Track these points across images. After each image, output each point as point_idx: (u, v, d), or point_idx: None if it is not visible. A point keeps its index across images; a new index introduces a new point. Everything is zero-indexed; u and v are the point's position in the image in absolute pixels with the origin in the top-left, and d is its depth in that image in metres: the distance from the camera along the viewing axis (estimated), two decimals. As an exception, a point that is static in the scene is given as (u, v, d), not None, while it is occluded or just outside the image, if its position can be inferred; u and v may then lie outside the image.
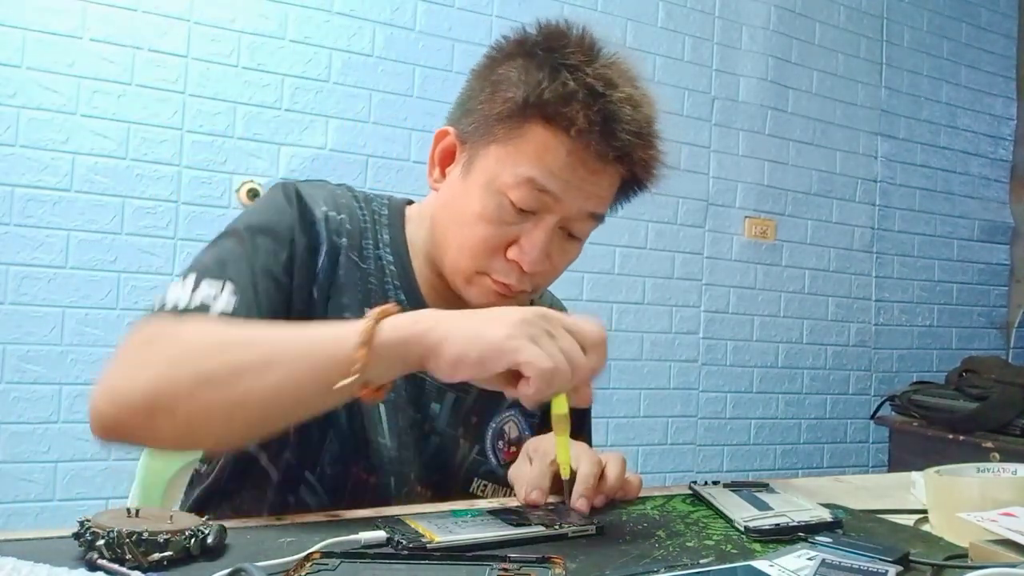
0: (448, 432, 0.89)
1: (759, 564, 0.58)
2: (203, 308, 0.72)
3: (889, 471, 2.29)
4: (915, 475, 0.89)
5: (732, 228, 2.85)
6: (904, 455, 2.32)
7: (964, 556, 0.62)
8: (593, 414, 2.87)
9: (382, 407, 0.84)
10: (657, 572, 0.56)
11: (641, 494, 0.82)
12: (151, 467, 1.06)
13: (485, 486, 0.91)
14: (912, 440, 2.31)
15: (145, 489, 1.05)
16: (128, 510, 0.58)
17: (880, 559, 0.58)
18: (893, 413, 2.44)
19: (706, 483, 0.83)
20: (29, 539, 0.61)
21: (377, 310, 0.66)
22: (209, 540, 0.57)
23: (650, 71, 2.70)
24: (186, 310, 0.72)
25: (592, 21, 2.90)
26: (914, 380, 2.71)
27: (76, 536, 0.56)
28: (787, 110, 2.95)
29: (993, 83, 3.45)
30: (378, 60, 2.28)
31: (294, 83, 2.19)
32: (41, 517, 1.91)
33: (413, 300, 0.87)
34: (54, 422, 1.93)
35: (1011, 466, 0.82)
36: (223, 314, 0.72)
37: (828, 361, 3.04)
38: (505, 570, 0.54)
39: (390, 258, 0.89)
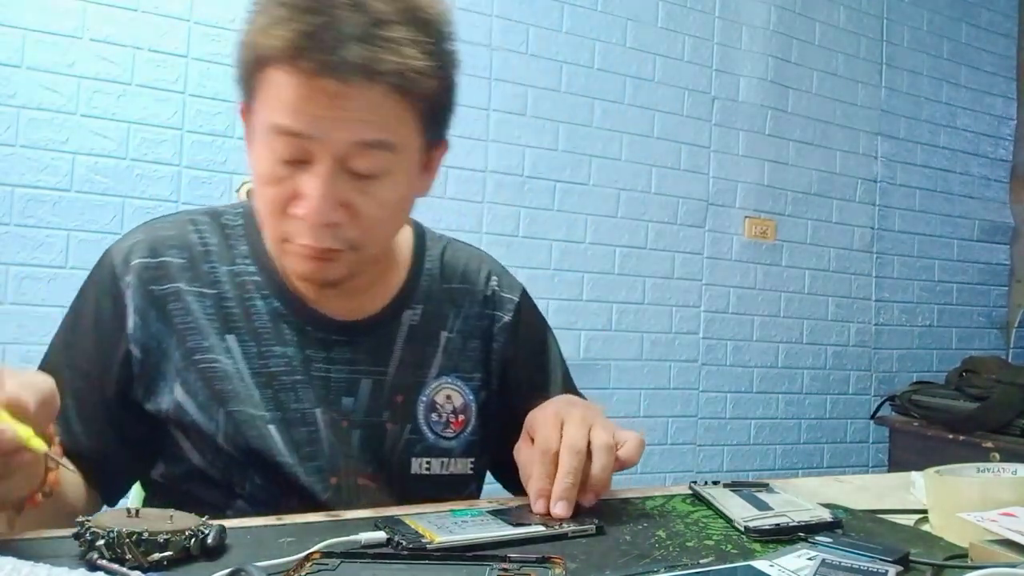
0: (370, 421, 0.85)
1: (759, 564, 0.58)
2: None
3: (889, 471, 2.29)
4: (915, 475, 0.89)
5: (732, 228, 2.85)
6: (904, 455, 2.32)
7: (964, 556, 0.62)
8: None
9: (272, 427, 0.81)
10: (657, 572, 0.56)
11: (641, 494, 0.82)
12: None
13: (429, 463, 0.88)
14: (912, 440, 2.32)
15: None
16: (128, 510, 0.58)
17: (880, 559, 0.58)
18: (893, 413, 2.44)
19: (706, 483, 0.83)
20: (29, 539, 0.61)
21: None
22: (209, 540, 0.57)
23: (650, 71, 2.70)
24: None
25: (592, 21, 2.89)
26: (914, 380, 2.71)
27: (76, 536, 0.56)
28: (787, 110, 2.95)
29: (993, 83, 3.45)
30: (378, 60, 2.28)
31: (294, 83, 2.19)
32: (41, 517, 1.91)
33: (287, 302, 0.85)
34: (54, 422, 1.93)
35: (1011, 466, 0.82)
36: None
37: (828, 361, 3.04)
38: (505, 570, 0.54)
39: (252, 269, 0.85)
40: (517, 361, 0.96)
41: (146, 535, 0.54)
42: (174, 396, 0.82)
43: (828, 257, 3.04)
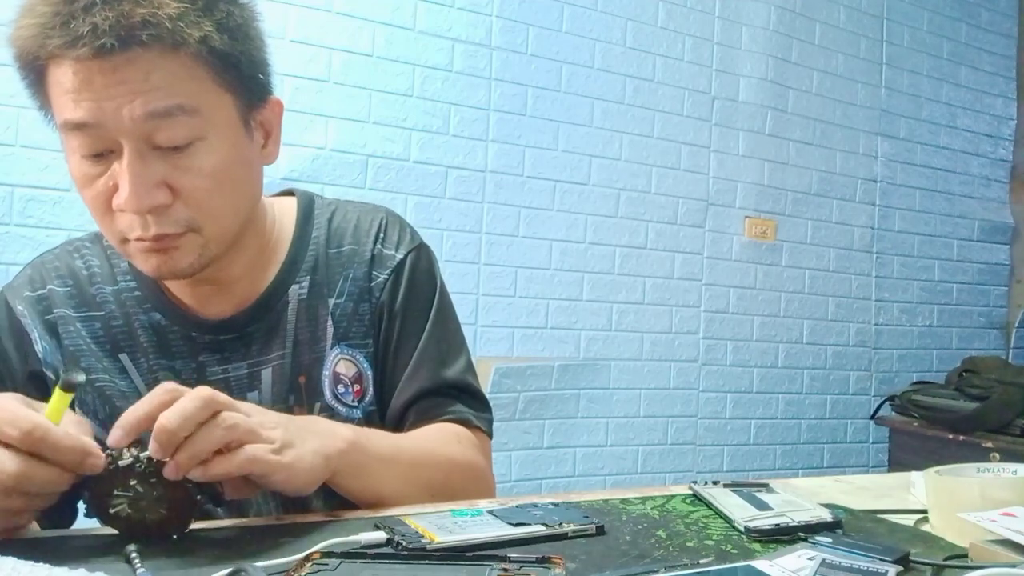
0: (276, 410, 0.78)
1: (759, 564, 0.58)
2: None
3: (889, 471, 2.29)
4: (915, 475, 0.89)
5: (732, 228, 2.85)
6: (904, 455, 2.33)
7: (964, 556, 0.62)
8: (593, 414, 2.87)
9: None
10: (657, 572, 0.56)
11: (641, 494, 0.82)
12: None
13: None
14: (912, 440, 2.32)
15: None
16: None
17: (880, 559, 0.58)
18: (893, 413, 2.45)
19: (706, 483, 0.83)
20: (29, 539, 0.61)
21: None
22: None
23: (650, 71, 2.70)
24: None
25: (592, 21, 2.89)
26: (914, 380, 2.72)
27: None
28: (787, 110, 2.95)
29: (993, 83, 3.45)
30: (378, 60, 2.28)
31: (294, 83, 2.19)
32: (41, 517, 1.91)
33: (171, 314, 0.84)
34: (54, 422, 1.93)
35: (1011, 466, 0.82)
36: None
37: (828, 361, 3.04)
38: (505, 570, 0.54)
39: (132, 285, 0.85)
40: (388, 321, 0.90)
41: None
42: None
43: (828, 257, 3.04)
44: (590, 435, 2.54)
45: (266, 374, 0.85)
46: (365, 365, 0.88)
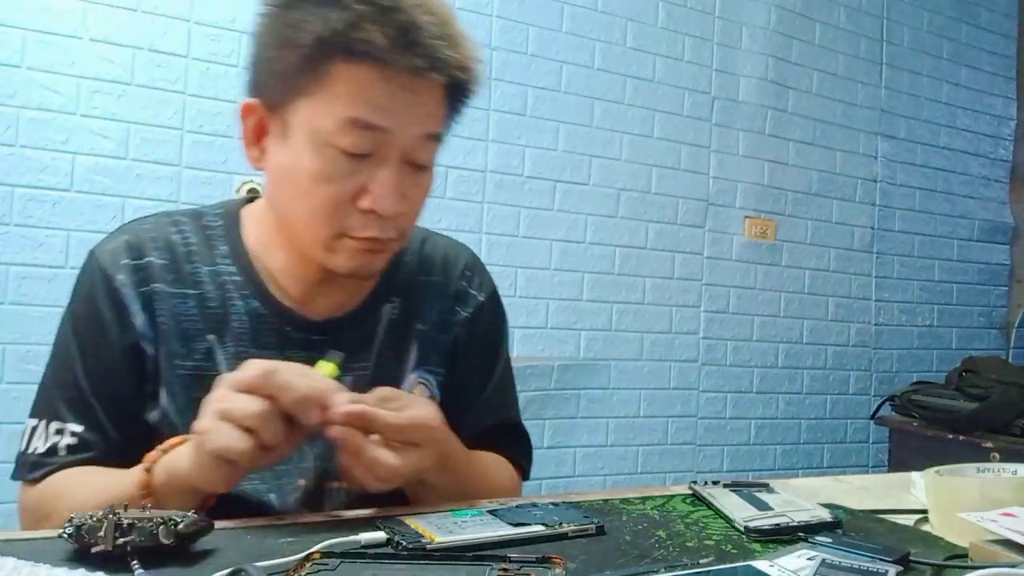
0: None
1: (759, 564, 0.58)
2: (53, 452, 0.79)
3: (889, 471, 2.29)
4: (915, 475, 0.89)
5: (732, 228, 2.85)
6: (904, 455, 2.33)
7: (964, 556, 0.62)
8: (593, 414, 2.86)
9: None
10: (657, 572, 0.56)
11: (641, 494, 0.82)
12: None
13: None
14: (912, 440, 2.32)
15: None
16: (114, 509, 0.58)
17: (880, 559, 0.58)
18: (893, 413, 2.45)
19: (706, 483, 0.83)
20: (29, 539, 0.61)
21: (157, 450, 0.71)
22: (180, 527, 0.56)
23: (650, 71, 2.70)
24: (42, 461, 0.79)
25: (592, 21, 2.89)
26: (914, 380, 2.72)
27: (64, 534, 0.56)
28: (787, 110, 2.95)
29: (993, 83, 3.45)
30: (378, 60, 2.28)
31: (294, 83, 2.19)
32: (41, 517, 1.91)
33: (267, 303, 0.85)
34: (54, 422, 1.93)
35: (1011, 466, 0.82)
36: (71, 447, 0.79)
37: (828, 361, 3.04)
38: (505, 570, 0.54)
39: (232, 269, 0.85)
40: (462, 357, 0.95)
41: (115, 519, 0.55)
42: (159, 401, 0.81)
43: (828, 257, 3.04)
44: (590, 435, 2.54)
45: (347, 382, 0.84)
46: (437, 392, 0.92)
